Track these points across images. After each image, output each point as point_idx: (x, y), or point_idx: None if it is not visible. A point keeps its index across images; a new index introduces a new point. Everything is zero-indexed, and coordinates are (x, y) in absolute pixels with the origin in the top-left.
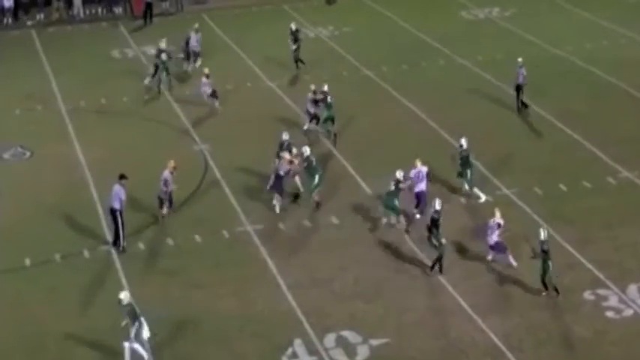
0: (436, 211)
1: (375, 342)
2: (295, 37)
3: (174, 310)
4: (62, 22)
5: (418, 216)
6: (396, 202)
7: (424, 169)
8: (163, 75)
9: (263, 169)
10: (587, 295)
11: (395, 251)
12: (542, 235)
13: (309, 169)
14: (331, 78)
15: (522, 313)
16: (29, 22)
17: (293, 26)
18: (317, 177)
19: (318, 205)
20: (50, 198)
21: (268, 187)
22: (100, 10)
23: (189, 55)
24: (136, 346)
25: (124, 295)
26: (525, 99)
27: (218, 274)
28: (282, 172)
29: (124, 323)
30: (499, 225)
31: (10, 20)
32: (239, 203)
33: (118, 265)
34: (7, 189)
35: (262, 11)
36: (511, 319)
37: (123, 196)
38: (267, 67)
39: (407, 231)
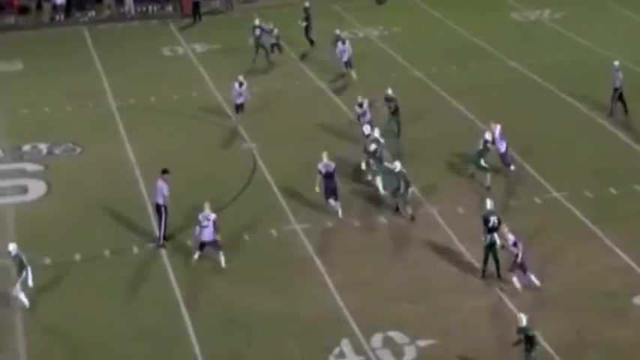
0: (486, 211)
1: (422, 343)
2: (307, 14)
3: (221, 308)
4: (113, 20)
5: (512, 167)
6: (483, 161)
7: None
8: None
9: (311, 169)
10: (637, 300)
11: (442, 251)
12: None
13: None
14: (380, 79)
15: (569, 316)
16: (81, 19)
17: (307, 3)
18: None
19: (412, 218)
20: (100, 194)
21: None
22: (150, 7)
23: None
24: (22, 294)
25: (12, 247)
26: (614, 102)
27: (265, 273)
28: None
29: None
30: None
31: (62, 17)
32: (287, 202)
33: (166, 261)
34: (58, 184)
35: (313, 11)
36: (558, 322)
37: (166, 192)
38: (315, 66)
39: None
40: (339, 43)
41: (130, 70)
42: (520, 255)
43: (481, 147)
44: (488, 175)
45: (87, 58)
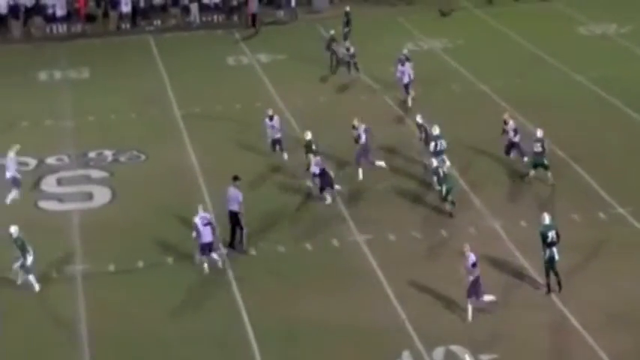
0: (543, 226)
1: (484, 357)
2: (347, 19)
3: (282, 317)
4: (178, 29)
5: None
6: (545, 160)
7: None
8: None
9: (374, 180)
10: None
11: (504, 265)
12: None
13: (438, 180)
14: (444, 91)
15: (635, 333)
16: (147, 28)
17: (347, 8)
18: (445, 188)
19: (451, 215)
20: (164, 201)
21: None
22: (216, 17)
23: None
24: (30, 276)
25: (14, 230)
26: None
27: (327, 283)
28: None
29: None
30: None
31: (128, 25)
32: (349, 213)
33: (228, 269)
34: (123, 191)
35: (376, 23)
36: (623, 338)
37: (240, 198)
38: (380, 79)
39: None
40: (399, 65)
41: (194, 78)
42: (472, 278)
43: (539, 149)
44: (550, 174)
45: (152, 66)
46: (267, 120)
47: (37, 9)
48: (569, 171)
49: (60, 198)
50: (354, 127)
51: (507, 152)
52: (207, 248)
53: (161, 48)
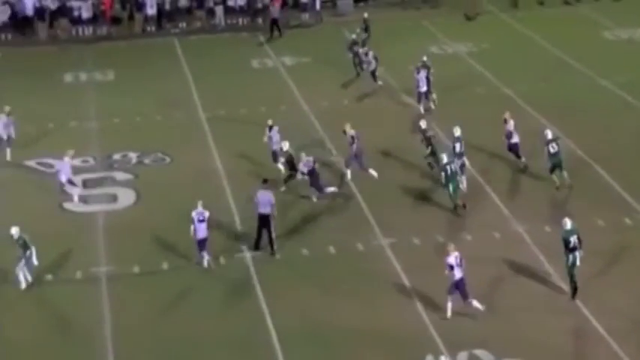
0: (565, 231)
1: None
2: (366, 25)
3: (306, 320)
4: (203, 31)
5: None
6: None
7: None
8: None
9: (399, 183)
10: None
11: (529, 270)
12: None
13: (446, 178)
14: (468, 95)
15: None
16: (172, 30)
17: (366, 14)
18: (451, 186)
19: (458, 208)
20: (188, 204)
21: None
22: (240, 19)
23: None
24: (22, 273)
25: (15, 231)
26: None
27: (351, 287)
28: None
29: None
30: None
31: (153, 28)
32: (374, 216)
33: (252, 272)
34: (147, 194)
35: (401, 26)
36: None
37: (273, 200)
38: (404, 82)
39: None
40: (415, 73)
41: (219, 81)
42: (454, 280)
43: (555, 149)
44: (566, 173)
45: (177, 69)
46: (266, 130)
47: (63, 11)
48: (594, 175)
49: (85, 199)
50: (344, 132)
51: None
52: (201, 244)
53: (186, 50)
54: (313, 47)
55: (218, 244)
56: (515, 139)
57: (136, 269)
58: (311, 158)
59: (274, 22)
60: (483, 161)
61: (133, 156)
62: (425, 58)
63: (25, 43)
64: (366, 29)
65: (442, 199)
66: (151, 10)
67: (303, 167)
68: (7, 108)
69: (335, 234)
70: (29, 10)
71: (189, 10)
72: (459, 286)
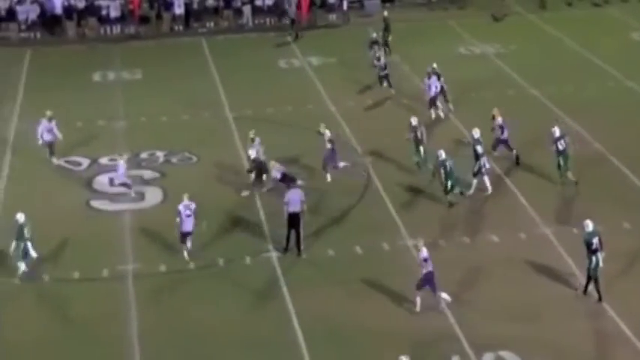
0: (587, 233)
1: None
2: (386, 23)
3: (332, 320)
4: (231, 31)
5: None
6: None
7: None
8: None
9: (424, 184)
10: None
11: (555, 272)
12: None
13: (445, 174)
14: (495, 96)
15: None
16: (199, 30)
17: (385, 13)
18: (449, 182)
19: (452, 204)
20: (215, 203)
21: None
22: (268, 19)
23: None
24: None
25: (19, 216)
26: None
27: (376, 287)
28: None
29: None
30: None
31: (181, 27)
32: (400, 216)
33: (279, 272)
34: (174, 193)
35: (428, 27)
36: None
37: (303, 197)
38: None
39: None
40: (425, 78)
41: (246, 81)
42: (424, 273)
43: (563, 145)
44: (570, 173)
45: (204, 68)
46: (255, 143)
47: (92, 10)
48: (620, 177)
49: (112, 198)
50: (319, 132)
51: (494, 148)
52: (185, 237)
53: (213, 50)
54: (340, 47)
55: (244, 244)
56: (506, 134)
57: (163, 268)
58: (279, 165)
59: (292, 23)
60: (510, 162)
61: (160, 155)
62: (435, 65)
63: (54, 42)
64: (387, 28)
65: (468, 200)
66: (179, 10)
67: (275, 173)
68: (48, 112)
69: (361, 234)
70: (58, 9)
71: (216, 10)
72: (429, 280)
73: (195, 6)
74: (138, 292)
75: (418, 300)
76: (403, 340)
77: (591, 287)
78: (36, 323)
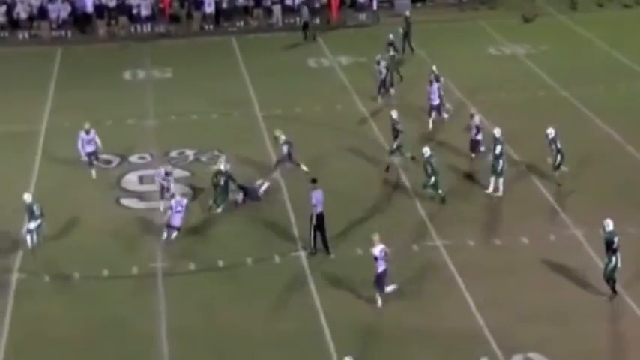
0: (608, 232)
1: None
2: (407, 23)
3: (360, 320)
4: (261, 30)
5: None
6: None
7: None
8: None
9: (453, 185)
10: None
11: (584, 274)
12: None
13: (431, 170)
14: (525, 97)
15: None
16: (229, 29)
17: (407, 12)
18: (433, 179)
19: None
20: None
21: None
22: (298, 19)
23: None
24: (28, 236)
25: (27, 197)
26: None
27: (404, 288)
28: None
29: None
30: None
31: (211, 26)
32: (429, 217)
33: (307, 272)
34: (203, 191)
35: (458, 27)
36: None
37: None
38: (462, 83)
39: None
40: (427, 85)
41: (276, 80)
42: (377, 271)
43: (559, 146)
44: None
45: (234, 67)
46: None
47: (122, 9)
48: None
49: (141, 196)
50: (275, 138)
51: (472, 150)
52: (171, 229)
53: (243, 49)
54: (370, 47)
55: (273, 242)
56: (480, 135)
57: (192, 266)
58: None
59: (305, 25)
60: (540, 164)
61: (189, 153)
62: (434, 68)
63: (85, 41)
64: (408, 27)
65: (497, 202)
66: (209, 9)
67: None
68: (86, 125)
69: (390, 234)
70: (89, 8)
71: (246, 9)
72: (380, 278)
73: (225, 5)
74: (167, 290)
75: (378, 296)
76: (431, 340)
77: (622, 289)
78: (65, 320)
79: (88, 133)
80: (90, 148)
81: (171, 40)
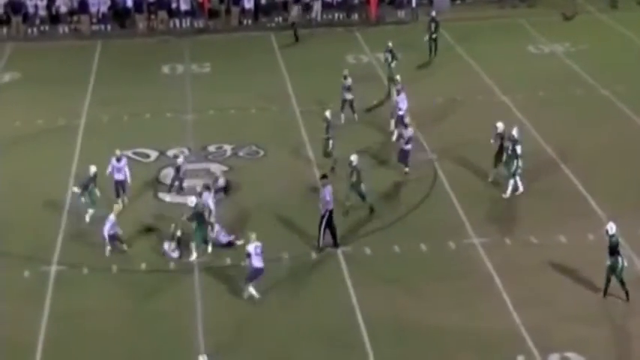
0: (612, 235)
1: None
2: (436, 23)
3: (396, 317)
4: (300, 26)
5: None
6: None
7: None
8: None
9: (491, 183)
10: None
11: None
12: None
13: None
14: (564, 96)
15: None
16: (268, 24)
17: (433, 13)
18: (363, 187)
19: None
20: (280, 198)
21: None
22: (337, 15)
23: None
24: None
25: (93, 168)
26: None
27: (441, 286)
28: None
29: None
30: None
31: (249, 21)
32: (466, 215)
33: (344, 268)
34: (240, 185)
35: (498, 24)
36: None
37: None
38: (500, 81)
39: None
40: (395, 94)
41: (314, 75)
42: (252, 268)
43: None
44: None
45: (272, 63)
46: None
47: (162, 3)
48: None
49: (179, 190)
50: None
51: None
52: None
53: (282, 44)
54: (408, 44)
55: (310, 238)
56: (409, 146)
57: (228, 261)
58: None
59: (293, 26)
60: (579, 162)
61: (227, 148)
62: (398, 77)
63: (124, 35)
64: (436, 28)
65: (534, 200)
66: (248, 4)
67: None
68: (117, 152)
69: (427, 232)
70: (129, 2)
71: (285, 5)
72: (254, 275)
73: (263, 0)
74: (203, 284)
75: (251, 290)
76: (468, 339)
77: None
78: (99, 314)
79: (119, 160)
80: (119, 176)
81: (210, 35)
